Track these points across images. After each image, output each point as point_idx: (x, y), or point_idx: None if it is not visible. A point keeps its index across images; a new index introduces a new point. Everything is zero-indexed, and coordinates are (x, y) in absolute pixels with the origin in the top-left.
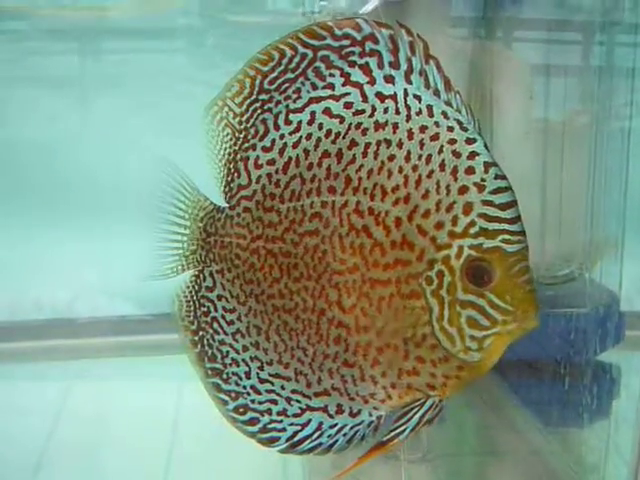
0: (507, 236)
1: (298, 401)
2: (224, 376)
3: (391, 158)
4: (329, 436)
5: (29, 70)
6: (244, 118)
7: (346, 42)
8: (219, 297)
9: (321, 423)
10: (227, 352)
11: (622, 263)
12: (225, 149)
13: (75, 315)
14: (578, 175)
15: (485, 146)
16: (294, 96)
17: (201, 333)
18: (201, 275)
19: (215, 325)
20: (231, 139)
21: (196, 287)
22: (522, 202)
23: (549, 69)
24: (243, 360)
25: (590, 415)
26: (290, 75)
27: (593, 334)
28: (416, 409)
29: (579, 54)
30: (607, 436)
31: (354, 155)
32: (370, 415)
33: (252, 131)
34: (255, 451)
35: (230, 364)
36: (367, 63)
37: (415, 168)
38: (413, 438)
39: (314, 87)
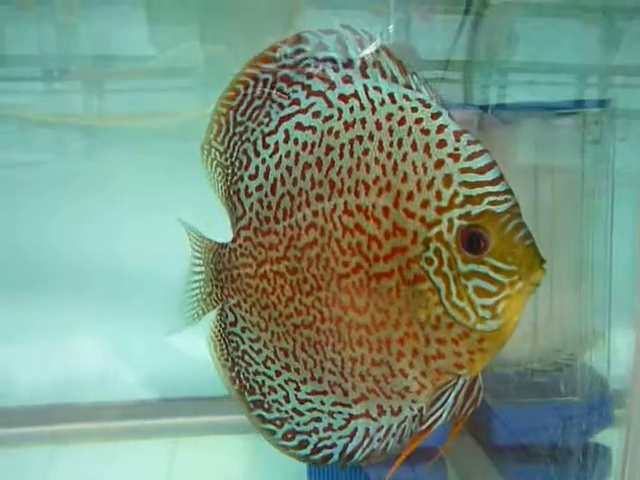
0: (493, 197)
1: (340, 412)
2: (266, 406)
3: (365, 152)
4: (379, 440)
5: None
6: (228, 154)
7: (299, 57)
8: (243, 329)
9: (368, 429)
10: (263, 381)
11: (609, 347)
12: (222, 187)
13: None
14: (568, 265)
15: (450, 116)
16: (266, 120)
17: (237, 368)
18: (223, 312)
19: (246, 358)
20: (223, 177)
21: (222, 325)
22: None
23: None
24: (279, 385)
25: None
26: (257, 102)
27: (584, 420)
28: (449, 391)
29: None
30: None
31: (332, 159)
32: (411, 409)
33: (237, 163)
34: None
35: (268, 392)
36: (323, 70)
37: (389, 155)
38: None
39: (281, 107)
